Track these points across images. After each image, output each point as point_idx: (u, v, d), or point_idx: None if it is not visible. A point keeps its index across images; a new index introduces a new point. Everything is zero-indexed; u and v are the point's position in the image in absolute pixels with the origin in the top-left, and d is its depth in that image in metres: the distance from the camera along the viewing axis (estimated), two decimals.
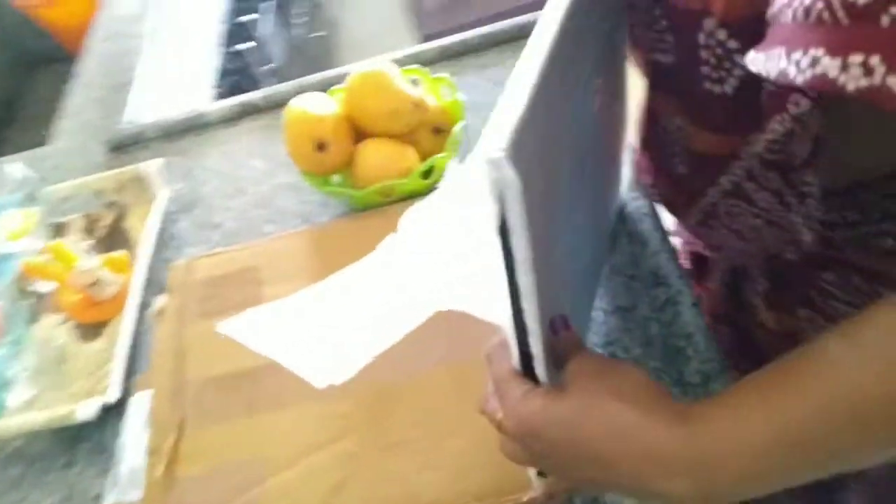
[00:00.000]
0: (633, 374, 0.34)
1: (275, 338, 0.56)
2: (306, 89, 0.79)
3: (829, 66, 0.25)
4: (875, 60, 0.24)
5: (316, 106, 0.65)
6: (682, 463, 0.29)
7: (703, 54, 0.35)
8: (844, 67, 0.25)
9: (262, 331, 0.56)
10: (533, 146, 0.30)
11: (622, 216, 0.62)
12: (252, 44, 1.36)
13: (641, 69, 0.45)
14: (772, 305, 0.52)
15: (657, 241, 0.59)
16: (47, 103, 1.10)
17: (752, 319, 0.55)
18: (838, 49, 0.25)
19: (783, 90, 0.32)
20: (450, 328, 0.54)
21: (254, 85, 1.24)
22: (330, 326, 0.56)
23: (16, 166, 0.68)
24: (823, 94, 0.29)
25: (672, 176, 0.46)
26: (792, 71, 0.27)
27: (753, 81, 0.32)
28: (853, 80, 0.25)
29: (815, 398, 0.29)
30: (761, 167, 0.38)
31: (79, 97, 1.01)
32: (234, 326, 0.57)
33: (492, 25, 0.85)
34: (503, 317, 0.34)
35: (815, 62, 0.26)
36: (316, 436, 0.52)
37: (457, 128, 0.65)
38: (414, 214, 0.62)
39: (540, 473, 0.42)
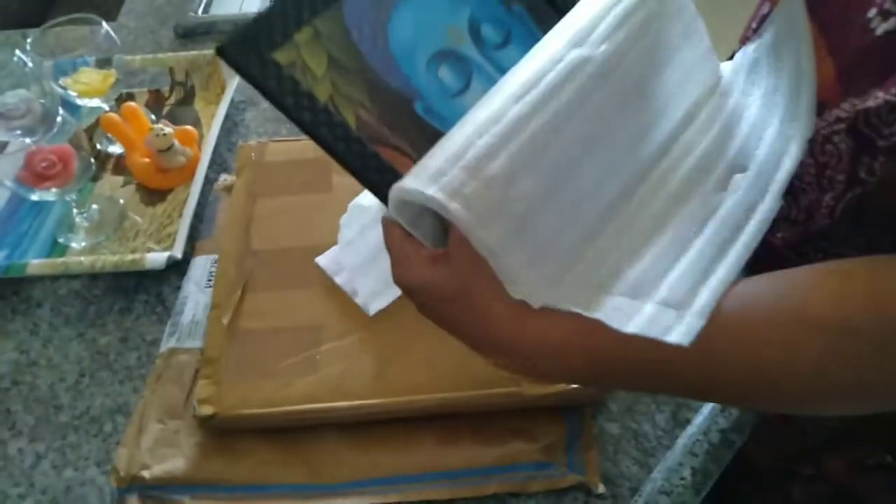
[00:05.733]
0: None
1: (349, 270, 0.58)
2: None
3: None
4: None
5: None
6: (506, 346, 0.34)
7: None
8: None
9: (342, 263, 0.58)
10: None
11: None
12: None
13: None
14: None
15: None
16: None
17: None
18: None
19: None
20: None
21: None
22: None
23: (100, 26, 0.69)
24: None
25: None
26: None
27: None
28: None
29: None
30: (846, 133, 0.38)
31: None
32: (325, 260, 0.59)
33: None
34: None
35: None
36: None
37: None
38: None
39: None
